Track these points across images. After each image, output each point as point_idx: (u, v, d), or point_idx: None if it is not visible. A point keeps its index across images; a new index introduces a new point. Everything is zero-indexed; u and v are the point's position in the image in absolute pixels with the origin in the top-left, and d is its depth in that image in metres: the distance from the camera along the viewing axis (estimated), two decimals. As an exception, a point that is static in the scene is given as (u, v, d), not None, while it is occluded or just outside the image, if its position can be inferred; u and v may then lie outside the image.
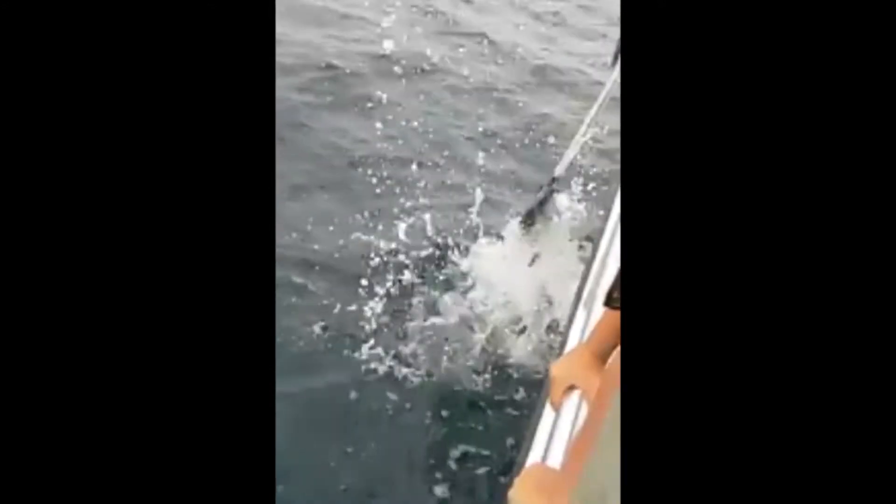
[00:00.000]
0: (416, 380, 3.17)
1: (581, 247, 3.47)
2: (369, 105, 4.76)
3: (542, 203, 3.49)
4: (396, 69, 5.12)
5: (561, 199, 3.68)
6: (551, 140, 4.80)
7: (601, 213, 3.02)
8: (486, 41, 6.17)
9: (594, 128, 3.48)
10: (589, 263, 2.15)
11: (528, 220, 3.51)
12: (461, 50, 5.90)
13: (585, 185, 4.08)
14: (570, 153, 3.47)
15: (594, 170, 4.29)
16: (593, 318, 1.81)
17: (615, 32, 6.87)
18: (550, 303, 3.42)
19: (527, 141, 4.85)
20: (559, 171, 3.49)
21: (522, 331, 3.36)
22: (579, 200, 3.94)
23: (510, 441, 2.88)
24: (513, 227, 3.68)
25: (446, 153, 4.64)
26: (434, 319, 3.44)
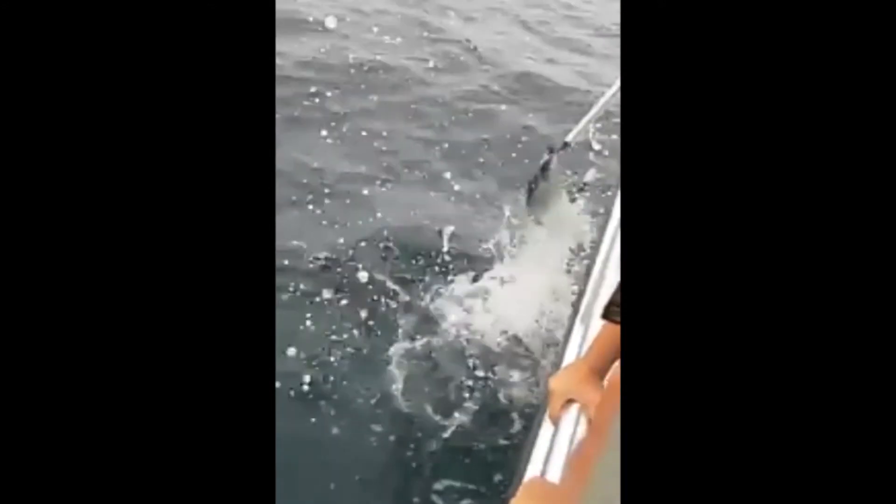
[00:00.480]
0: (399, 410, 3.13)
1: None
2: (340, 119, 4.73)
3: (545, 167, 3.47)
4: (373, 79, 5.11)
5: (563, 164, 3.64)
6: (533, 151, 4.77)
7: (598, 216, 2.99)
8: (470, 51, 6.21)
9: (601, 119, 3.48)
10: (586, 277, 2.19)
11: (533, 185, 3.49)
12: (444, 60, 5.94)
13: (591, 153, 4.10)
14: (584, 122, 3.47)
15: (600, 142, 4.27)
16: (591, 332, 1.84)
17: (600, 44, 6.98)
18: (543, 325, 3.41)
19: (513, 154, 4.83)
20: (570, 137, 3.48)
21: (514, 355, 3.35)
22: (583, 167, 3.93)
23: (498, 476, 2.84)
24: (500, 238, 3.68)
25: (423, 168, 4.64)
26: (419, 343, 3.41)
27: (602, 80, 5.65)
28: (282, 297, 3.44)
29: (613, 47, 6.64)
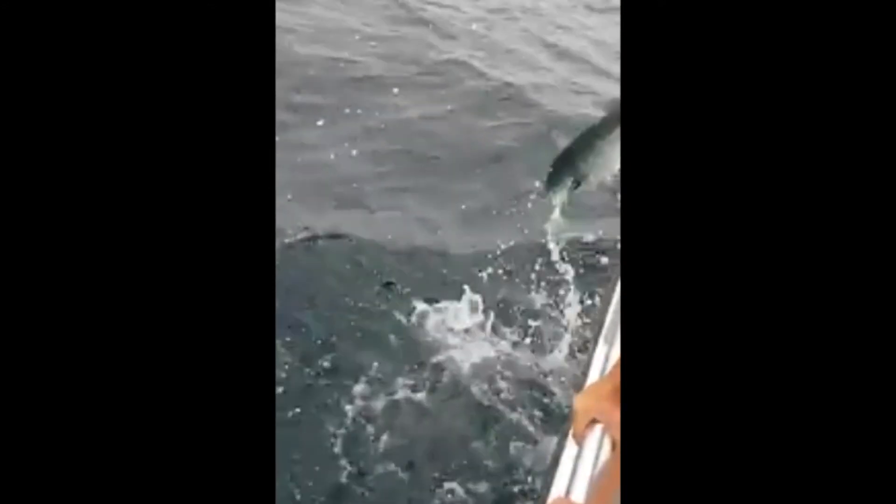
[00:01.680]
0: (394, 470, 3.01)
1: None
2: (325, 139, 4.78)
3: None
4: (361, 99, 5.17)
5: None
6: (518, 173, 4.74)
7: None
8: (461, 67, 6.32)
9: None
10: (608, 297, 2.27)
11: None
12: (434, 76, 6.04)
13: None
14: None
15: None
16: (614, 352, 1.94)
17: (597, 55, 7.05)
18: (560, 353, 3.42)
19: (499, 174, 4.89)
20: None
21: (525, 390, 3.31)
22: None
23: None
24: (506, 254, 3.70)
25: (416, 189, 4.71)
26: (415, 379, 3.33)
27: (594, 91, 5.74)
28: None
29: (610, 63, 6.76)
